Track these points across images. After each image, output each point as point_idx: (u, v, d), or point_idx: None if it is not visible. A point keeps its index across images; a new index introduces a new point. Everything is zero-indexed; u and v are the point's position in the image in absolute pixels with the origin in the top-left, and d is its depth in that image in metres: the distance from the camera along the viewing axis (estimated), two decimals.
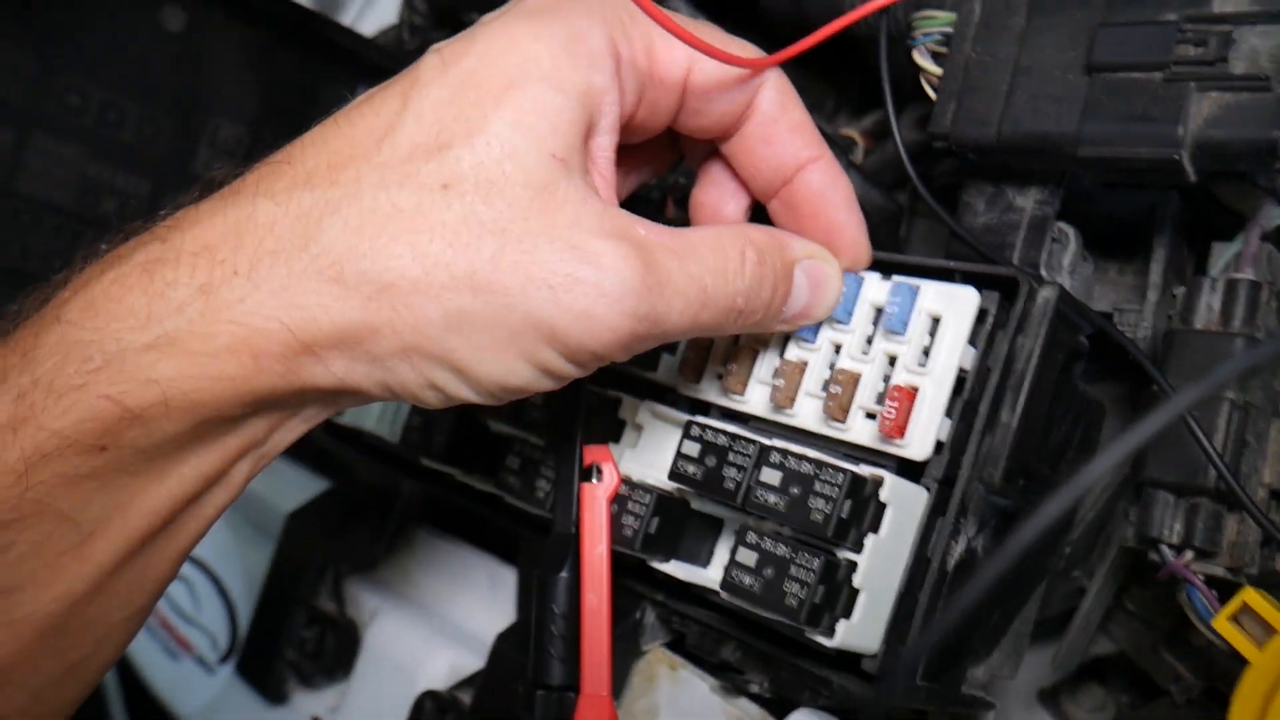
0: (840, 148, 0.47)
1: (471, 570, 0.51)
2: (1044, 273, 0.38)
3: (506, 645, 0.43)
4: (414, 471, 0.50)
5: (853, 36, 0.53)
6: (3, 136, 0.51)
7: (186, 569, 0.46)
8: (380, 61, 0.60)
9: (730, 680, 0.40)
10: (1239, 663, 0.32)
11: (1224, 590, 0.34)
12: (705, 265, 0.31)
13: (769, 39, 0.63)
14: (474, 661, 0.46)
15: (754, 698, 0.39)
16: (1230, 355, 0.34)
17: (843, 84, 0.68)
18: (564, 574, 0.37)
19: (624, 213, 0.31)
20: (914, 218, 0.55)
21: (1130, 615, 0.44)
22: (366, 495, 0.54)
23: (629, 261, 0.29)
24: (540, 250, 0.29)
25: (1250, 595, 0.29)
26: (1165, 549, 0.35)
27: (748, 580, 0.34)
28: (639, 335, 0.30)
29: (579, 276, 0.29)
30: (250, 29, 0.57)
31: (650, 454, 0.40)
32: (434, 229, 0.29)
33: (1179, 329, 0.35)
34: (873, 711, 0.32)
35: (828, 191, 0.36)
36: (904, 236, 0.52)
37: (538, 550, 0.45)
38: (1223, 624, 0.30)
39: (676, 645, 0.42)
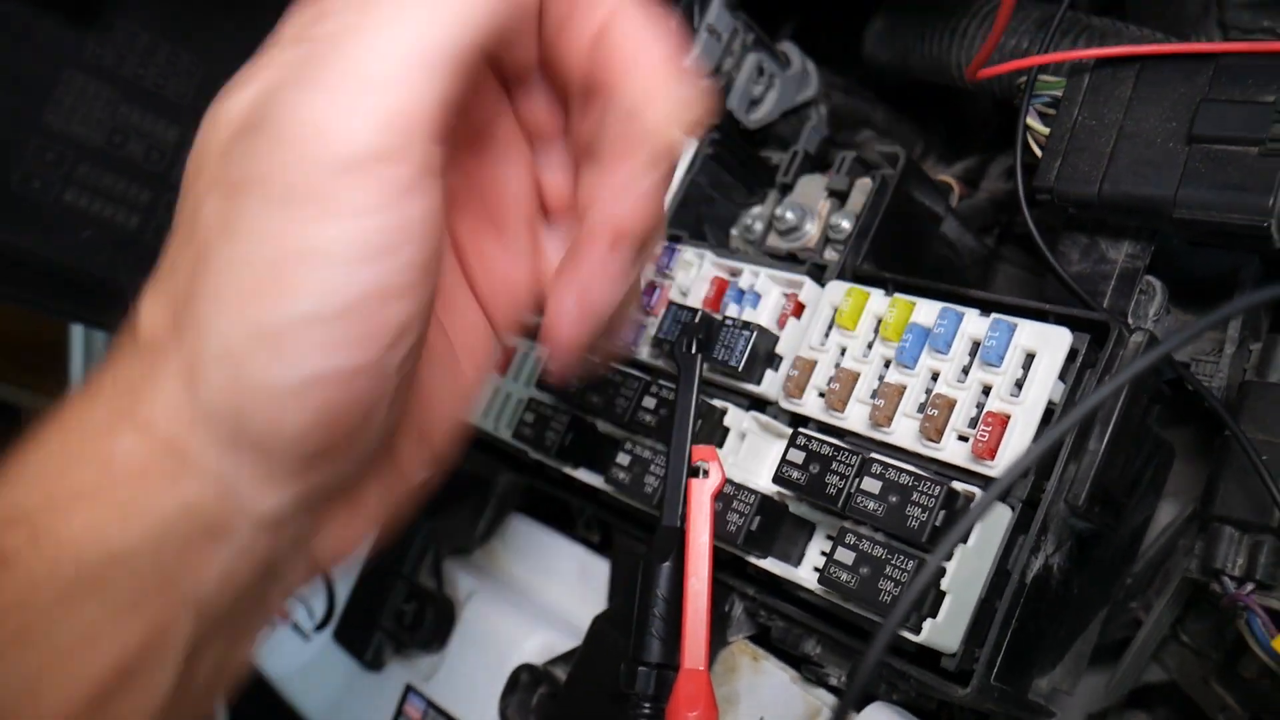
0: (940, 193, 0.51)
1: (563, 559, 0.54)
2: (1130, 321, 0.41)
3: (604, 625, 0.47)
4: (517, 464, 0.54)
5: (949, 89, 0.58)
6: (168, 132, 0.56)
7: None
8: None
9: (811, 673, 0.43)
10: None
11: (1278, 621, 0.37)
12: None
13: (872, 84, 0.68)
14: (566, 642, 0.50)
15: (831, 689, 0.42)
16: None
17: (930, 130, 0.72)
18: (668, 563, 0.41)
19: None
20: (998, 263, 0.58)
21: (1183, 646, 0.47)
22: (466, 483, 0.58)
23: None
24: None
25: None
26: (1228, 580, 0.38)
27: (845, 576, 0.37)
28: None
29: None
30: None
31: (751, 460, 0.44)
32: None
33: (1254, 381, 0.39)
34: (962, 700, 0.36)
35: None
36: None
37: (636, 542, 0.49)
38: None
39: (759, 639, 0.46)
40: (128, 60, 0.53)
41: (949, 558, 0.36)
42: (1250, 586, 0.38)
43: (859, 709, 0.41)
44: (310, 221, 0.25)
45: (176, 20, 0.54)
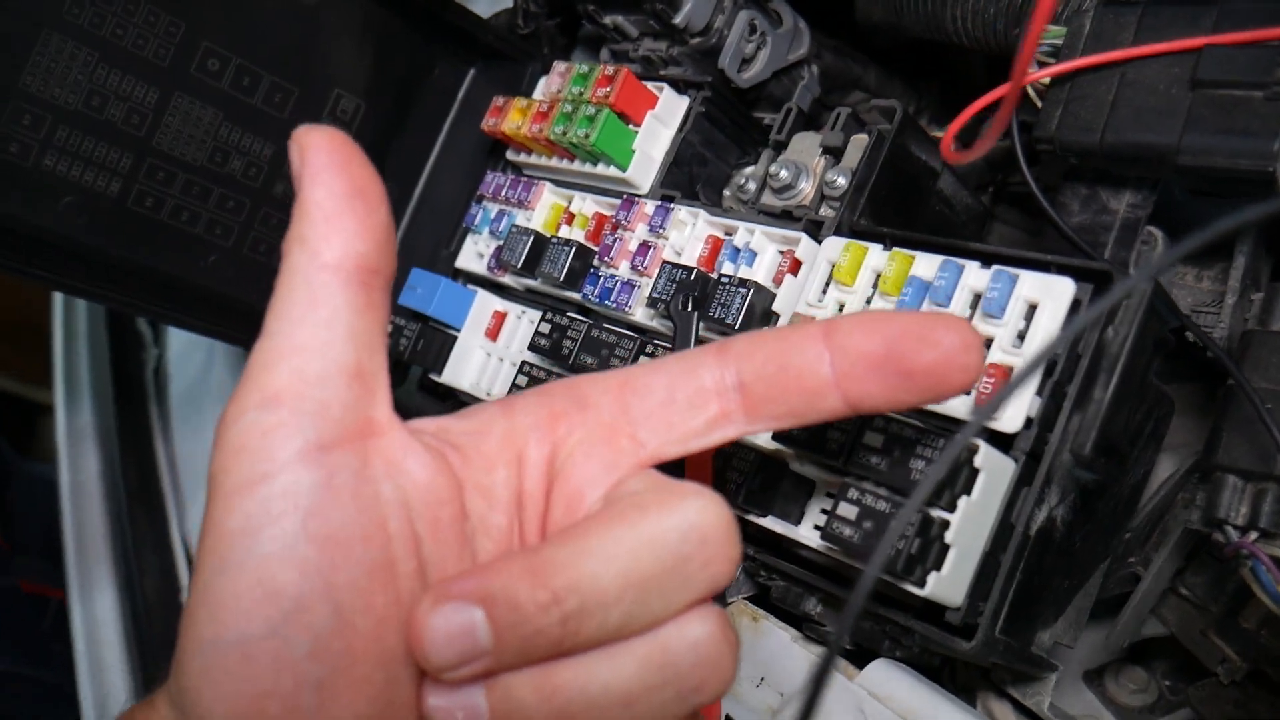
0: (936, 149, 0.50)
1: None
2: (1132, 270, 0.41)
3: None
4: None
5: (943, 46, 0.57)
6: (149, 94, 0.55)
7: None
8: (492, 43, 0.63)
9: (812, 631, 0.43)
10: None
11: None
12: None
13: (864, 45, 0.67)
14: None
15: None
16: None
17: (923, 90, 0.71)
18: None
19: None
20: (993, 222, 0.58)
21: (1182, 599, 0.47)
22: None
23: None
24: None
25: None
26: (1231, 530, 0.38)
27: (848, 531, 0.37)
28: None
29: None
30: (373, 4, 0.60)
31: None
32: None
33: (1256, 330, 0.38)
34: (967, 654, 0.35)
35: None
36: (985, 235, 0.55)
37: None
38: None
39: (758, 599, 0.45)
40: (106, 20, 0.52)
41: (951, 510, 0.36)
42: (1255, 535, 0.38)
43: (860, 666, 0.41)
44: (212, 504, 0.29)
45: (193, 10, 0.53)
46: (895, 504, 0.36)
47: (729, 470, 0.41)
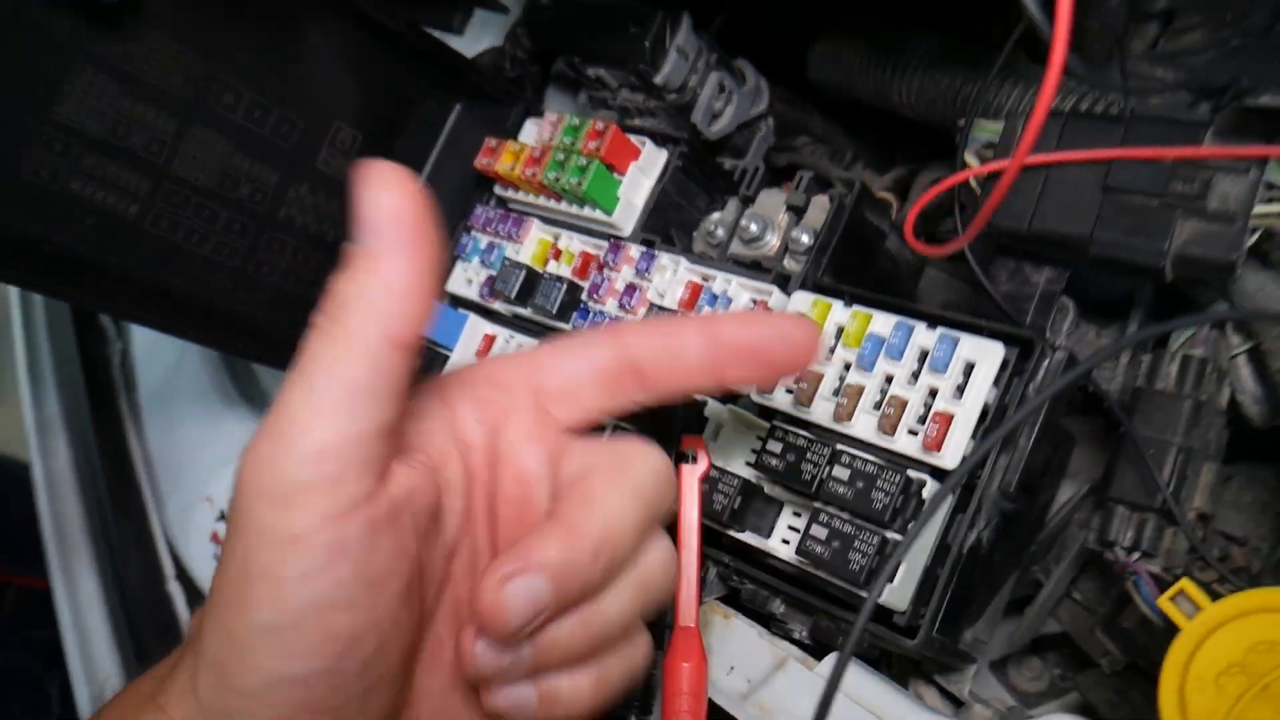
0: (884, 212, 0.58)
1: None
2: (1049, 333, 0.49)
3: None
4: None
5: (888, 112, 0.65)
6: (168, 125, 0.59)
7: None
8: (479, 83, 0.69)
9: (777, 628, 0.50)
10: (1162, 638, 0.43)
11: (1157, 583, 0.46)
12: None
13: (819, 108, 0.74)
14: None
15: (795, 642, 0.50)
16: (1180, 414, 0.46)
17: (860, 138, 0.79)
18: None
19: None
20: (927, 266, 0.66)
21: (1075, 603, 0.56)
22: None
23: None
24: None
25: (1186, 583, 0.41)
26: (1119, 550, 0.47)
27: (819, 549, 0.44)
28: None
29: None
30: (371, 42, 0.65)
31: (728, 447, 0.51)
32: None
33: (1144, 388, 0.47)
34: (909, 650, 0.43)
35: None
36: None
37: None
38: (1165, 603, 0.41)
39: (729, 599, 0.53)
40: (134, 56, 0.56)
41: (902, 533, 0.44)
42: (1137, 555, 0.46)
43: (819, 658, 0.49)
44: (255, 547, 0.31)
45: (196, 31, 0.57)
46: (858, 526, 0.44)
47: (714, 493, 0.48)
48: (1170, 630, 0.41)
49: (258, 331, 0.64)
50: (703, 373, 0.38)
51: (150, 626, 0.72)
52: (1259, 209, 0.43)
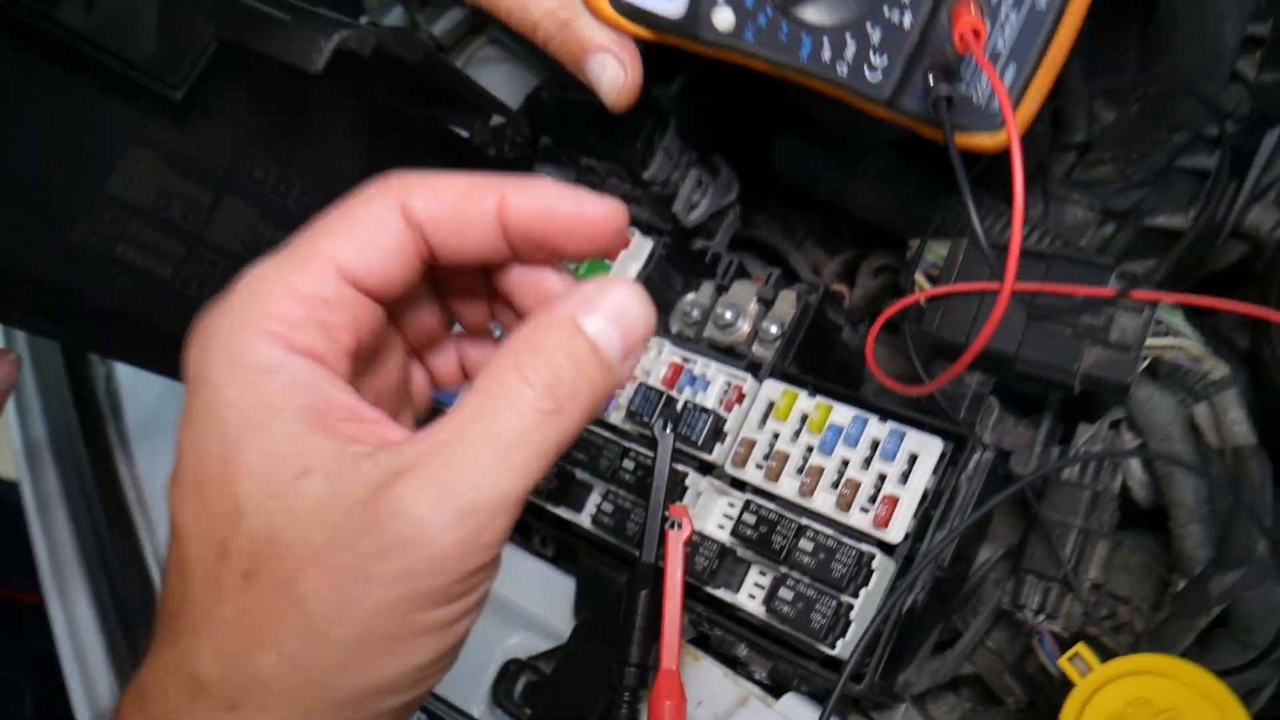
0: (841, 308, 0.67)
1: (528, 572, 0.68)
2: (977, 428, 0.59)
3: (583, 631, 0.61)
4: None
5: (839, 208, 0.74)
6: (205, 197, 0.65)
7: None
8: (479, 162, 0.76)
9: (741, 671, 0.59)
10: (1060, 688, 0.53)
11: (1058, 641, 0.56)
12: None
13: (784, 199, 0.83)
14: (542, 642, 0.64)
15: (756, 682, 0.58)
16: (1081, 502, 0.55)
17: (811, 219, 0.88)
18: (646, 591, 0.56)
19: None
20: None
21: (988, 650, 0.66)
22: None
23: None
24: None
25: (1081, 647, 0.50)
26: (1028, 611, 0.57)
27: (785, 609, 0.53)
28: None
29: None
30: (382, 120, 0.72)
31: (704, 512, 0.59)
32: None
33: (1053, 479, 0.57)
34: (856, 693, 0.52)
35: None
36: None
37: (600, 565, 0.63)
38: (1064, 663, 0.51)
39: (699, 642, 0.61)
40: (183, 138, 0.62)
41: (855, 596, 0.53)
42: (1042, 617, 0.56)
43: (777, 697, 0.57)
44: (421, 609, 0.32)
45: (242, 117, 0.63)
46: (819, 591, 0.53)
47: (696, 555, 0.57)
48: (1067, 684, 0.51)
49: None
50: (496, 236, 0.38)
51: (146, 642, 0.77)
52: (1150, 341, 0.53)
